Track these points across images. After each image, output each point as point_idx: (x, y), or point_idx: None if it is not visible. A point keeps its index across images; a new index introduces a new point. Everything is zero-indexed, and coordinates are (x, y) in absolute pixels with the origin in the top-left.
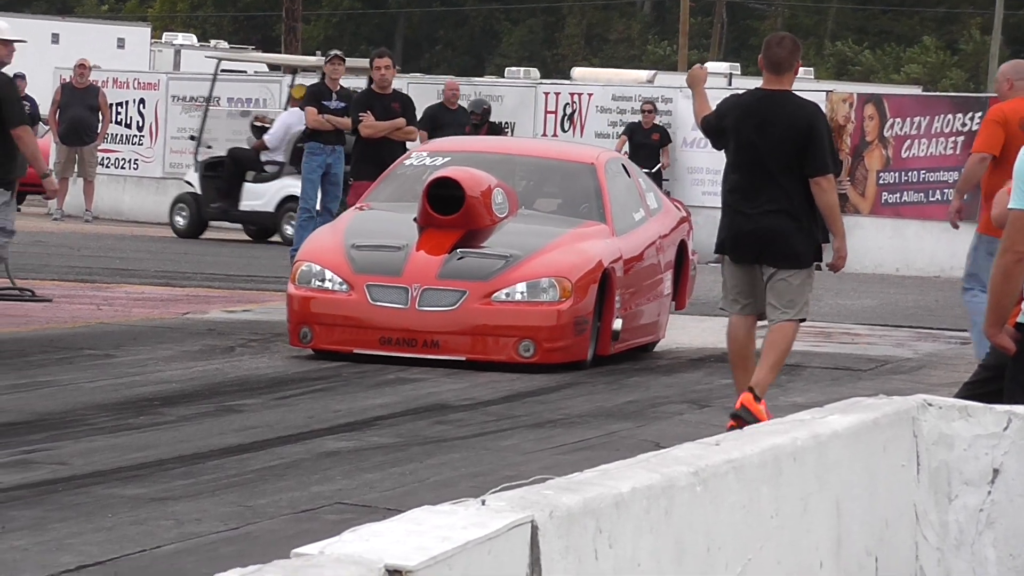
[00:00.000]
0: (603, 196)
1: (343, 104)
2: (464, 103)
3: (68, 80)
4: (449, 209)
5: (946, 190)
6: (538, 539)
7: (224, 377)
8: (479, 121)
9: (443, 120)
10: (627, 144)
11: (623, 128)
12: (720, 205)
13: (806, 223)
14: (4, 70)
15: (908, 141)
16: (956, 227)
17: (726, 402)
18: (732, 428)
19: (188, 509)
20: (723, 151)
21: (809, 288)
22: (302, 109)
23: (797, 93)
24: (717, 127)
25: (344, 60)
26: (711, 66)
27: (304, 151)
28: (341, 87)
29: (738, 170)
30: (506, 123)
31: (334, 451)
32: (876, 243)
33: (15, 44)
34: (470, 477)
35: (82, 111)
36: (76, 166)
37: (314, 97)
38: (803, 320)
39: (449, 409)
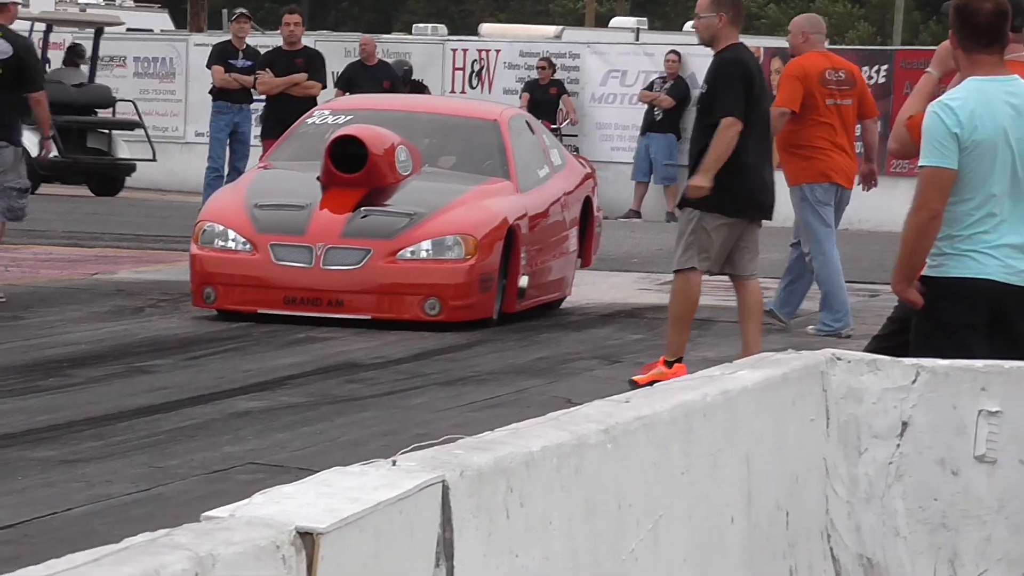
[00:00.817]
0: (507, 153)
1: (250, 62)
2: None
3: None
4: (352, 167)
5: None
6: (449, 499)
7: (133, 338)
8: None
9: (360, 77)
10: (528, 100)
11: (523, 86)
12: (690, 163)
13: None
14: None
15: None
16: None
17: (636, 357)
18: None
19: (98, 471)
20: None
21: None
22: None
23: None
24: (747, 84)
25: (250, 18)
26: (618, 21)
27: (212, 110)
28: (248, 46)
29: (754, 129)
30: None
31: (245, 411)
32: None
33: (17, 5)
34: (381, 436)
35: None
36: None
37: (220, 56)
38: None
39: (359, 368)
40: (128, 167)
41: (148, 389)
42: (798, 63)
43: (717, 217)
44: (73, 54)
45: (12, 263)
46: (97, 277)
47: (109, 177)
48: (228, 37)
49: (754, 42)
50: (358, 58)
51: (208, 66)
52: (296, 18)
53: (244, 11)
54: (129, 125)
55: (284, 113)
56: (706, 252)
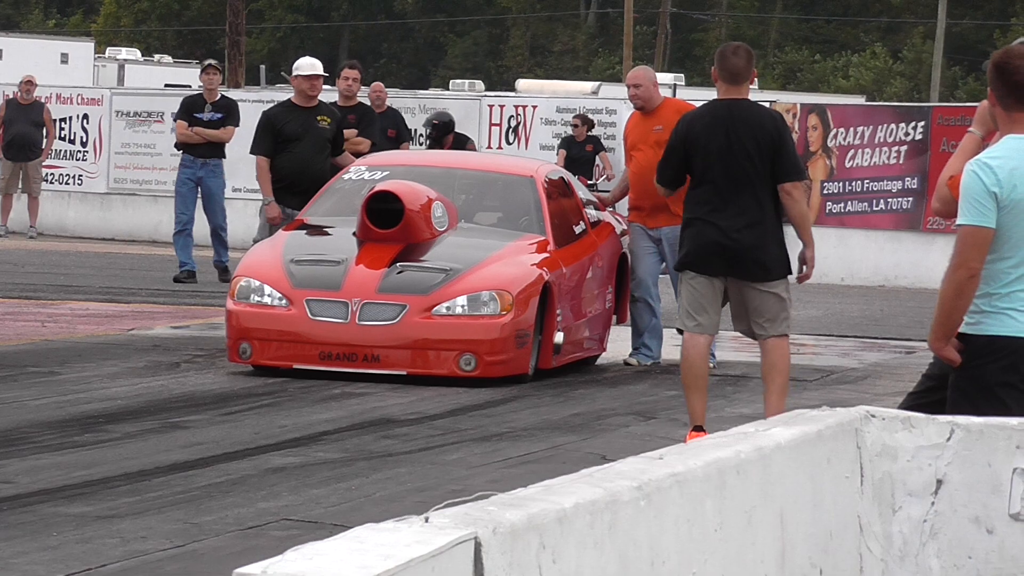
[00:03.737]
0: (543, 209)
1: (219, 115)
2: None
3: (13, 96)
4: (388, 223)
5: (890, 199)
6: (482, 556)
7: (170, 393)
8: (437, 133)
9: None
10: (564, 158)
11: (559, 142)
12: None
13: (777, 233)
14: None
15: (851, 151)
16: None
17: (672, 414)
18: None
19: (134, 527)
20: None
21: (789, 299)
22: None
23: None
24: (682, 139)
25: (220, 71)
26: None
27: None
28: (223, 96)
29: (706, 182)
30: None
31: (280, 467)
32: (821, 253)
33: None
34: (416, 492)
35: (27, 127)
36: (20, 182)
37: (185, 110)
38: (787, 333)
39: (395, 423)
40: None
41: (184, 444)
42: None
43: (686, 272)
44: None
45: (49, 319)
46: (133, 332)
47: None
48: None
49: (791, 99)
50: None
51: (174, 119)
52: (355, 73)
53: (213, 62)
54: None
55: (304, 170)
56: (691, 310)
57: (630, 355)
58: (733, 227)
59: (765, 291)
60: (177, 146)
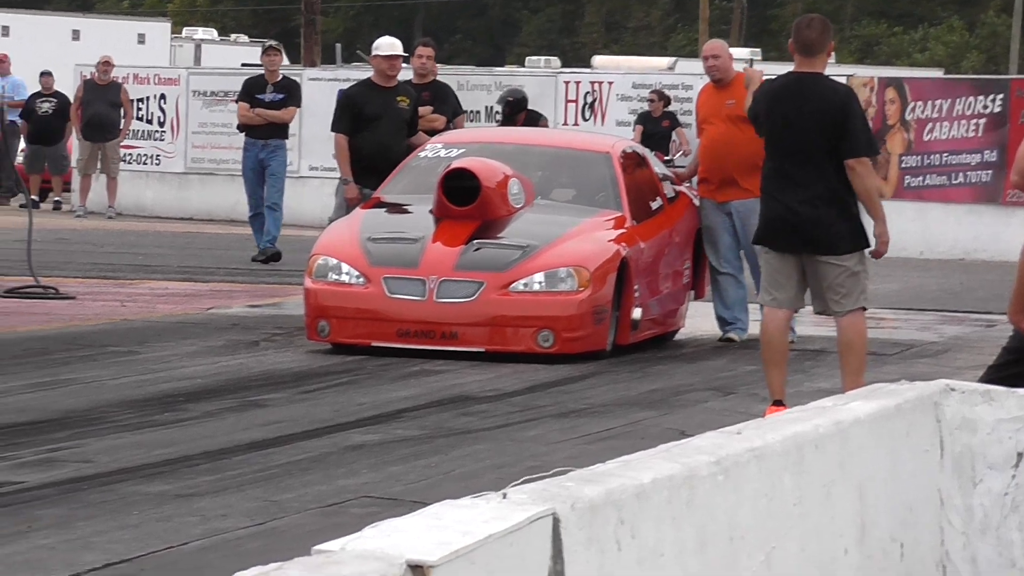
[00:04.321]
0: (619, 185)
1: (281, 96)
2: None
3: (90, 77)
4: (465, 200)
5: (968, 172)
6: (560, 531)
7: (248, 372)
8: (511, 110)
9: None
10: (641, 133)
11: (635, 118)
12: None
13: (846, 207)
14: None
15: (929, 124)
16: None
17: (751, 389)
18: None
19: (213, 505)
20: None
21: (864, 274)
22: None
23: (829, 76)
24: (754, 116)
25: (281, 51)
26: (733, 52)
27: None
28: (284, 77)
29: (772, 156)
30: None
31: (359, 444)
32: (899, 227)
33: None
34: (494, 469)
35: (104, 107)
36: (99, 162)
37: (246, 91)
38: (864, 308)
39: (473, 400)
40: None
41: (263, 423)
42: None
43: (762, 247)
44: None
45: (128, 298)
46: (212, 311)
47: None
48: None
49: (868, 72)
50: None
51: (235, 100)
52: (429, 51)
53: (274, 43)
54: None
55: (376, 149)
56: (768, 285)
57: (727, 332)
58: (796, 201)
59: (836, 264)
60: (239, 128)
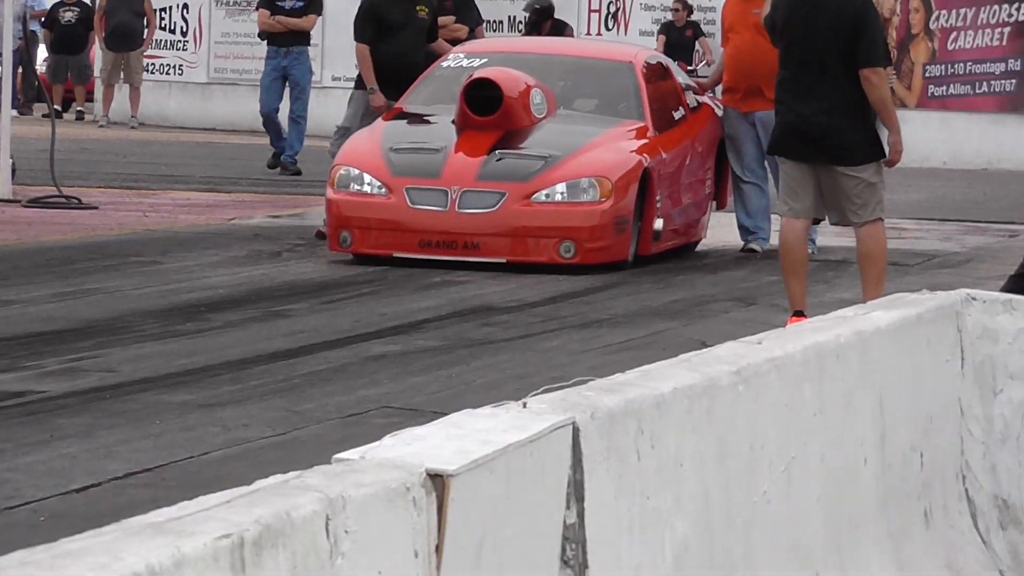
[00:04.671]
0: (641, 95)
1: (301, 3)
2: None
3: None
4: (487, 110)
5: (993, 82)
6: (579, 440)
7: (270, 282)
8: (536, 18)
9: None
10: (664, 43)
11: (658, 28)
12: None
13: (862, 117)
14: None
15: (954, 33)
16: None
17: (772, 299)
18: None
19: (235, 415)
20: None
21: (881, 184)
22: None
23: None
24: (771, 24)
25: None
26: None
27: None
28: None
29: (787, 66)
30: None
31: (380, 355)
32: (923, 136)
33: None
34: (516, 379)
35: (128, 16)
36: (122, 72)
37: None
38: (881, 219)
39: (495, 311)
40: None
41: (285, 333)
42: None
43: (778, 157)
44: None
45: (151, 208)
46: (234, 222)
47: None
48: None
49: None
50: None
51: (255, 8)
52: None
53: None
54: None
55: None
56: (785, 195)
57: (750, 241)
58: (810, 112)
59: (852, 175)
60: (260, 35)
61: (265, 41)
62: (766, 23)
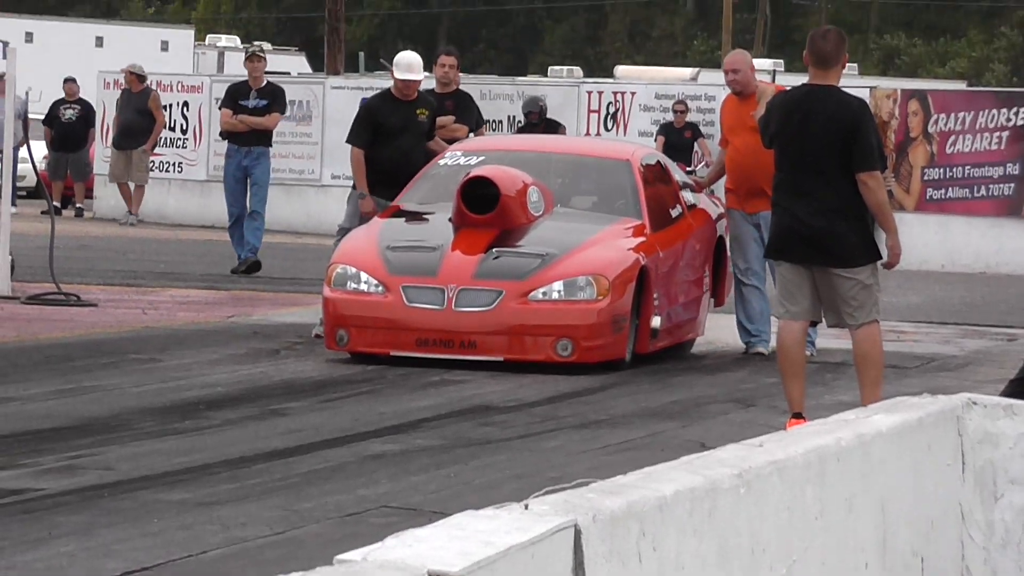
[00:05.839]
0: (639, 193)
1: (264, 102)
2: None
3: (127, 85)
4: (484, 208)
5: (991, 185)
6: (581, 543)
7: (269, 380)
8: (536, 120)
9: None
10: (663, 144)
11: (657, 128)
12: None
13: (857, 219)
14: None
15: (952, 137)
16: None
17: (771, 401)
18: None
19: (234, 513)
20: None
21: (876, 286)
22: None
23: (843, 88)
24: (764, 125)
25: (264, 58)
26: (756, 63)
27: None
28: (268, 82)
29: (783, 168)
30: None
31: (379, 454)
32: (921, 239)
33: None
34: (515, 479)
35: (130, 115)
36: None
37: (230, 97)
38: (877, 320)
39: (493, 410)
40: None
41: (283, 431)
42: None
43: (776, 259)
44: None
45: (150, 306)
46: (233, 320)
47: None
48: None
49: (891, 84)
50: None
51: (219, 107)
52: (452, 60)
53: (258, 50)
54: None
55: (392, 163)
56: (783, 298)
57: (753, 344)
58: (807, 214)
59: (848, 277)
60: (222, 135)
61: (225, 140)
62: (760, 124)
